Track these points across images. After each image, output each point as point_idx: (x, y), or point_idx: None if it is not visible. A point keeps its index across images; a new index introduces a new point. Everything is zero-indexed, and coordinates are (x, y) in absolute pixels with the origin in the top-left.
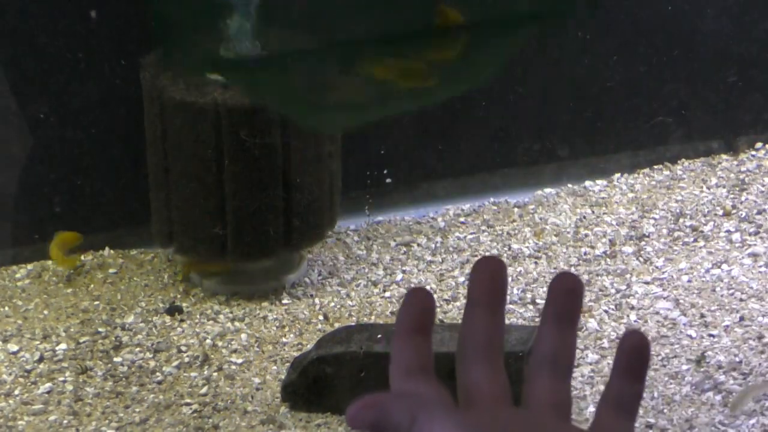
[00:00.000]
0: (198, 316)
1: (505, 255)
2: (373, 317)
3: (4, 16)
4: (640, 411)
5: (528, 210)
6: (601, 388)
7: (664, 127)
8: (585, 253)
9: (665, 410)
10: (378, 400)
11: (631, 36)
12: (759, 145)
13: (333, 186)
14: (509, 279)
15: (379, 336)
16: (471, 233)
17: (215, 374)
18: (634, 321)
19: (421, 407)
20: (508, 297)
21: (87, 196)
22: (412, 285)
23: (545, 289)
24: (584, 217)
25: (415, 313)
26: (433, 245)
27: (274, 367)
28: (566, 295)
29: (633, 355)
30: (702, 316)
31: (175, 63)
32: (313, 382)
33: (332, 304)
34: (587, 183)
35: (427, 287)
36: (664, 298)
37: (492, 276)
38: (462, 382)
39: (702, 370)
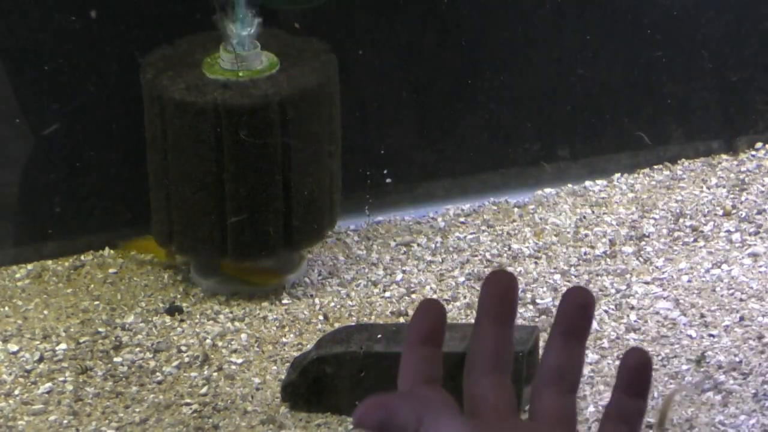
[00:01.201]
0: (198, 316)
1: (505, 255)
2: (373, 317)
3: (4, 16)
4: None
5: (528, 210)
6: (602, 388)
7: (664, 128)
8: (585, 253)
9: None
10: (385, 400)
11: (631, 36)
12: (759, 145)
13: (333, 186)
14: None
15: (379, 336)
16: (471, 233)
17: (215, 374)
18: (634, 321)
19: (428, 409)
20: None
21: (87, 196)
22: (413, 283)
23: (545, 289)
24: (584, 217)
25: (427, 325)
26: (433, 245)
27: (274, 367)
28: (577, 310)
29: (635, 373)
30: (702, 316)
31: None
32: (313, 382)
33: (332, 304)
34: (587, 183)
35: (427, 287)
36: (664, 298)
37: (503, 290)
38: (468, 393)
39: (702, 370)
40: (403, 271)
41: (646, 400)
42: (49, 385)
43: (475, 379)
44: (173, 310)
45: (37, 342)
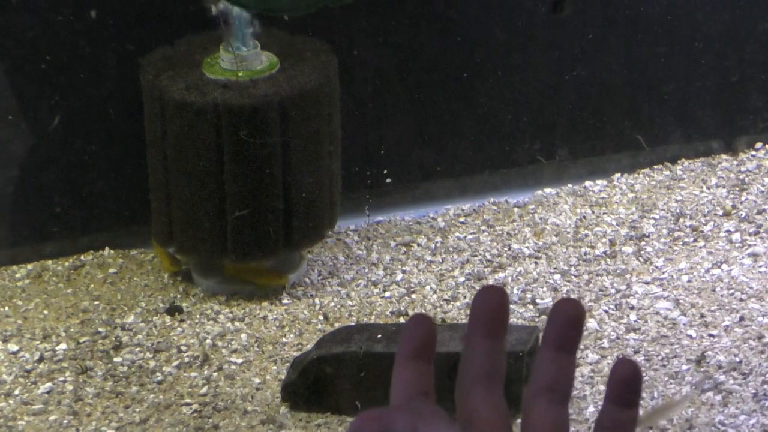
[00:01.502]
0: (198, 316)
1: (505, 255)
2: (373, 317)
3: (4, 16)
4: (640, 411)
5: (528, 210)
6: (601, 388)
7: (664, 128)
8: (585, 253)
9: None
10: (381, 413)
11: (631, 35)
12: (759, 145)
13: (333, 186)
14: (509, 279)
15: (379, 336)
16: (471, 233)
17: (215, 374)
18: (634, 321)
19: (423, 420)
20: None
21: (87, 196)
22: (413, 283)
23: (545, 289)
24: (584, 217)
25: (417, 340)
26: (433, 245)
27: (274, 367)
28: (567, 322)
29: (625, 385)
30: (702, 316)
31: None
32: (313, 382)
33: (332, 304)
34: (587, 183)
35: (427, 287)
36: (664, 298)
37: (493, 305)
38: (461, 407)
39: (702, 370)
40: (403, 271)
41: (637, 409)
42: (49, 385)
43: (467, 393)
44: (173, 310)
45: (37, 342)
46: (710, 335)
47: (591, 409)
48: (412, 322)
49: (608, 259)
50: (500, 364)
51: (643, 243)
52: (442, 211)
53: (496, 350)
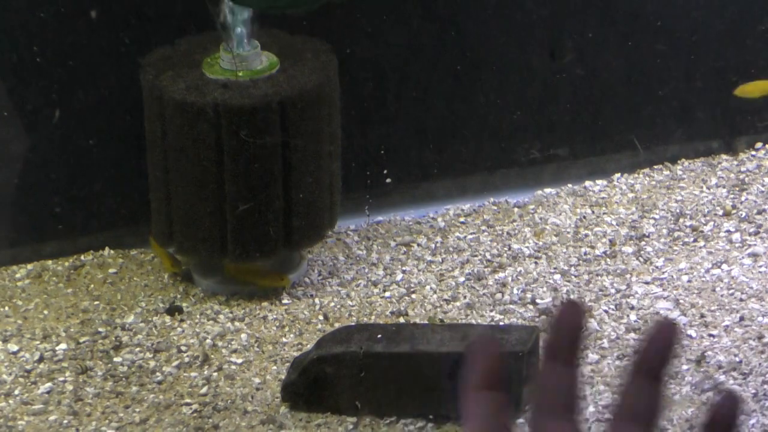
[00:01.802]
0: (198, 316)
1: (505, 255)
2: (373, 317)
3: (4, 15)
4: None
5: (528, 210)
6: (602, 388)
7: (664, 128)
8: (585, 253)
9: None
10: None
11: (631, 35)
12: (759, 145)
13: (333, 186)
14: (509, 279)
15: (379, 336)
16: (471, 233)
17: (215, 374)
18: (634, 321)
19: None
20: (508, 297)
21: (87, 196)
22: (413, 283)
23: (545, 289)
24: (584, 217)
25: (486, 368)
26: (433, 245)
27: (274, 367)
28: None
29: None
30: (702, 316)
31: None
32: (313, 382)
33: (332, 304)
34: (587, 183)
35: (427, 287)
36: (664, 298)
37: (574, 327)
38: None
39: (702, 370)
40: (403, 271)
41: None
42: (49, 385)
43: (544, 425)
44: (173, 310)
45: (37, 342)
46: (710, 335)
47: (591, 408)
48: (476, 349)
49: (608, 259)
50: (577, 392)
51: (643, 243)
52: (442, 211)
53: (573, 377)
